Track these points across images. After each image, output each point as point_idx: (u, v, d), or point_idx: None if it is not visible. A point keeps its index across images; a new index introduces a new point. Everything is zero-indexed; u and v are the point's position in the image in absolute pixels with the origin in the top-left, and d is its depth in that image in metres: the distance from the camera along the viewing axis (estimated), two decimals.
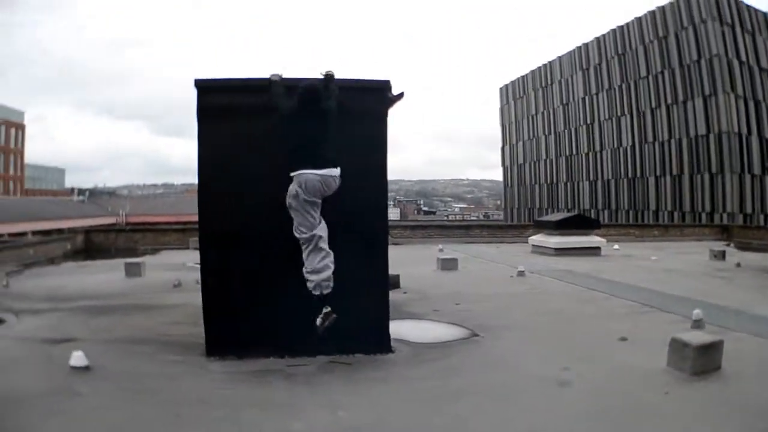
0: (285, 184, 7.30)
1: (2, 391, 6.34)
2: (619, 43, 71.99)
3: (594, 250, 22.22)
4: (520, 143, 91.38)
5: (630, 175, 71.29)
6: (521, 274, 15.52)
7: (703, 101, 62.01)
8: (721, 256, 20.22)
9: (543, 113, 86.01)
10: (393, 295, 11.37)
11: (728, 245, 27.42)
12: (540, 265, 18.32)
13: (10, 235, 34.41)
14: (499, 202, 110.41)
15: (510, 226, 34.13)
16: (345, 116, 7.56)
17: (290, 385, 6.63)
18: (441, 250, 22.94)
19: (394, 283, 12.77)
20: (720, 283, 14.62)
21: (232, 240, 7.84)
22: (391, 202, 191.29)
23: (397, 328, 8.69)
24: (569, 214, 26.34)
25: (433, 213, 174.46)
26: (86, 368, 7.05)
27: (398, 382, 6.74)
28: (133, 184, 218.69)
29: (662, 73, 66.49)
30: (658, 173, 67.34)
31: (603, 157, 75.39)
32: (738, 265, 18.14)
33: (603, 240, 23.38)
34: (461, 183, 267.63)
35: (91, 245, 30.63)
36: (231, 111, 7.82)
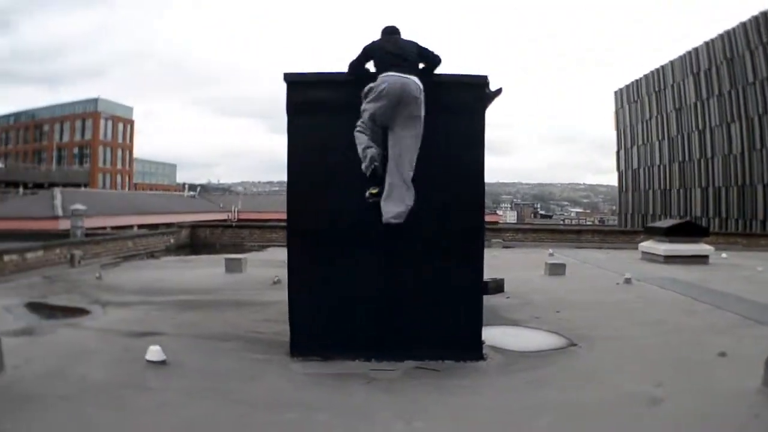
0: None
1: (72, 381, 6.46)
2: (726, 47, 68.66)
3: (702, 259, 21.21)
4: (635, 148, 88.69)
5: (739, 183, 68.16)
6: (628, 281, 14.95)
7: None
8: None
9: (657, 118, 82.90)
10: (495, 300, 11.69)
11: None
12: (647, 272, 17.67)
13: (114, 227, 35.12)
14: (614, 208, 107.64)
15: (621, 231, 33.36)
16: (440, 112, 7.38)
17: (370, 391, 6.41)
18: (551, 255, 22.63)
19: (498, 287, 12.89)
20: None
21: (319, 237, 7.67)
22: (508, 205, 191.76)
23: (493, 335, 8.53)
24: (679, 221, 25.39)
25: (549, 217, 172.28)
26: (162, 363, 7.08)
27: (484, 392, 6.44)
28: (249, 181, 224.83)
29: None
30: (766, 181, 64.16)
31: (714, 163, 72.20)
32: None
33: (711, 248, 22.30)
34: (578, 187, 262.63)
35: (197, 240, 31.16)
36: (320, 105, 7.64)
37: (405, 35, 7.54)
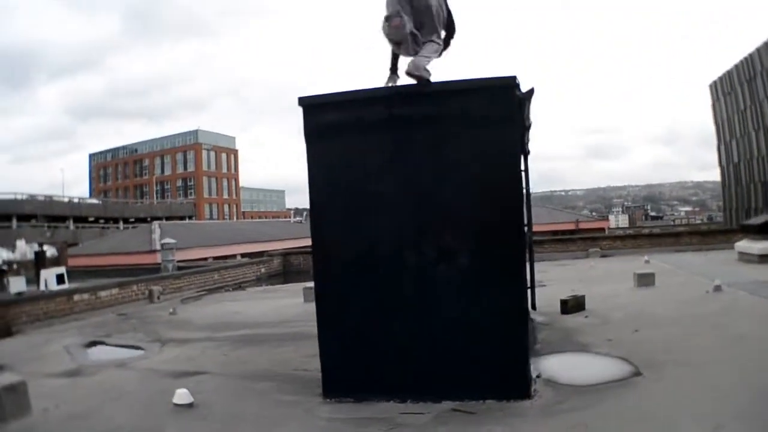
0: (403, 205, 7.13)
1: (92, 424, 6.58)
2: None
3: None
4: (733, 141, 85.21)
5: None
6: (717, 289, 13.86)
7: None
8: None
9: (750, 108, 79.74)
10: (572, 321, 11.21)
11: None
12: (742, 275, 16.36)
13: (216, 257, 36.00)
14: (721, 204, 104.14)
15: (719, 231, 31.62)
16: (464, 121, 7.05)
17: None
18: (646, 262, 21.61)
19: (578, 305, 12.23)
20: None
21: (349, 268, 7.37)
22: (620, 209, 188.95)
23: (551, 365, 8.06)
24: None
25: (660, 218, 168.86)
26: (189, 406, 7.10)
27: None
28: None
29: None
30: None
31: None
32: None
33: None
34: (686, 185, 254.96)
35: (289, 267, 30.94)
36: (340, 127, 7.37)
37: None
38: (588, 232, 39.15)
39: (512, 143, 7.34)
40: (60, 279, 20.39)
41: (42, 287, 19.47)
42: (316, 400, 7.20)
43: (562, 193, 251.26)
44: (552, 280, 18.24)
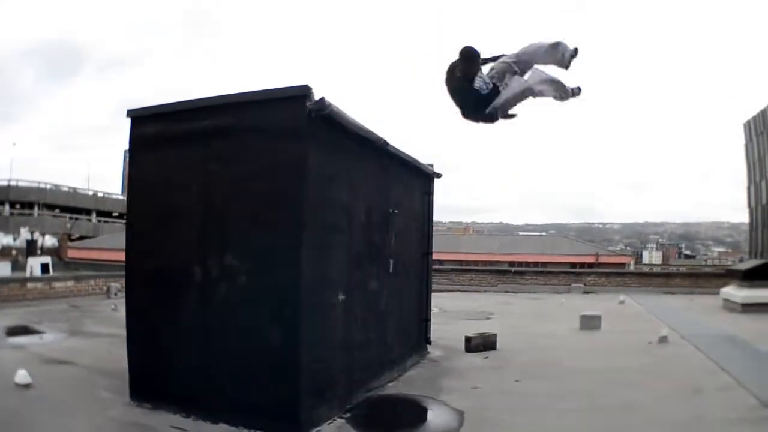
0: (194, 220, 7.03)
1: None
2: None
3: None
4: (763, 182, 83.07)
5: None
6: (663, 340, 12.31)
7: None
8: None
9: None
10: (467, 360, 10.63)
11: None
12: (710, 326, 14.79)
13: None
14: None
15: (714, 274, 28.94)
16: (256, 133, 6.76)
17: None
18: (621, 302, 20.61)
19: (488, 344, 11.39)
20: None
21: (150, 281, 7.39)
22: (654, 245, 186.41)
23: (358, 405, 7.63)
24: (761, 262, 21.05)
25: (693, 257, 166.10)
26: (26, 386, 7.68)
27: None
28: None
29: None
30: None
31: None
32: None
33: None
34: (722, 226, 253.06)
35: None
36: (157, 139, 7.37)
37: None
38: (584, 266, 37.00)
39: (300, 158, 6.55)
40: (45, 268, 22.65)
41: (28, 273, 21.55)
42: (124, 400, 7.34)
43: (600, 226, 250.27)
44: (505, 313, 17.31)
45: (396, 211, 9.33)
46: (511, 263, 37.61)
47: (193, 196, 7.04)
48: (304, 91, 6.42)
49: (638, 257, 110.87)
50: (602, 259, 48.41)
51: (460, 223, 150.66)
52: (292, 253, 6.45)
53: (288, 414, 6.37)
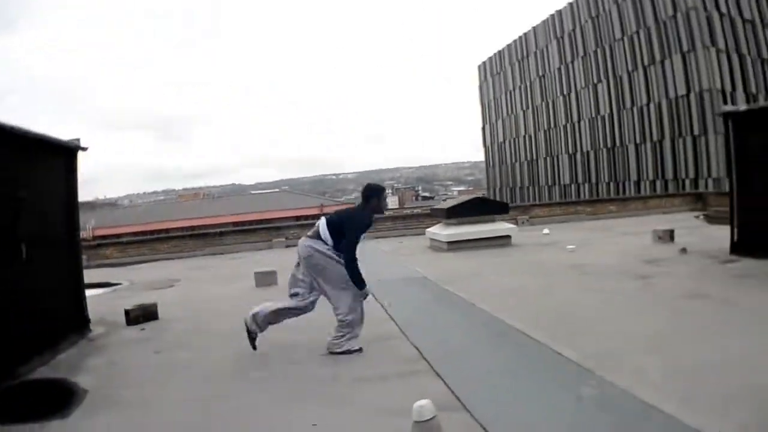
0: None
1: None
2: (591, 5, 65.35)
3: (503, 240, 16.43)
4: (499, 121, 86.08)
5: (609, 145, 64.82)
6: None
7: (682, 58, 54.43)
8: (668, 237, 14.43)
9: (520, 87, 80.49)
10: (122, 334, 9.59)
11: (698, 217, 21.51)
12: (408, 267, 13.57)
13: None
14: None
15: (426, 215, 27.34)
16: None
17: None
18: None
19: (149, 315, 10.49)
20: (633, 291, 9.25)
21: None
22: (390, 190, 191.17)
23: None
24: (467, 198, 19.60)
25: (431, 198, 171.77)
26: None
27: None
28: (134, 193, 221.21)
29: (637, 33, 59.23)
30: (638, 140, 60.56)
31: (581, 127, 69.16)
32: (683, 251, 12.43)
33: (513, 227, 17.44)
34: (462, 166, 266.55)
35: None
36: None
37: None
38: (309, 218, 34.93)
39: None
40: None
41: None
42: None
43: (333, 177, 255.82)
44: (192, 279, 16.05)
45: (24, 194, 8.17)
46: (236, 223, 36.01)
47: None
48: None
49: None
50: (329, 209, 47.41)
51: (192, 189, 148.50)
52: None
53: None
